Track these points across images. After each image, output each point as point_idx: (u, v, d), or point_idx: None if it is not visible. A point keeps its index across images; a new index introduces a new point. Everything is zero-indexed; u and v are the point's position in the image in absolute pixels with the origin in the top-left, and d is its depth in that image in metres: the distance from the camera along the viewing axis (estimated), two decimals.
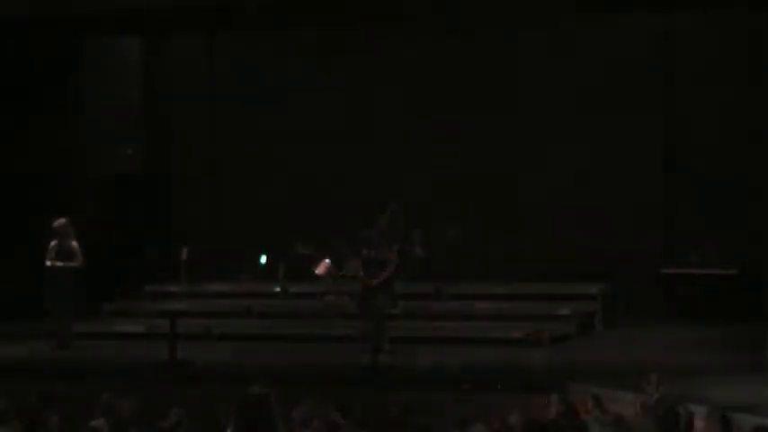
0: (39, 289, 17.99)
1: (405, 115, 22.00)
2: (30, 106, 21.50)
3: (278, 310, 20.77)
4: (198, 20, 22.28)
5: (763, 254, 19.13)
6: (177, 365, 15.90)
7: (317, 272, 21.83)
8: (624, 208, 20.72)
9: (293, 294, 21.39)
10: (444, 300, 20.38)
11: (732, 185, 20.03)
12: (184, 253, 18.33)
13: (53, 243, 17.80)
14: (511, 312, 19.55)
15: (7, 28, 20.73)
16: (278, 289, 21.56)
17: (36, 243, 18.33)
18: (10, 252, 20.36)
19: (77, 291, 17.83)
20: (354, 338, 17.19)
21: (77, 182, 21.97)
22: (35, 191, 20.80)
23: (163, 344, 16.13)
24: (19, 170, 21.06)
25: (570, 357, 16.79)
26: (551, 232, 20.82)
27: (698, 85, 20.47)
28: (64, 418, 11.49)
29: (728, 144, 20.12)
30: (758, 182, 19.66)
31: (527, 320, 18.78)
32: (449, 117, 21.71)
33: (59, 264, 17.72)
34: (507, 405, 12.27)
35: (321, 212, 21.70)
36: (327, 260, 21.75)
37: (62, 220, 17.86)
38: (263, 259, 22.59)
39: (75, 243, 17.81)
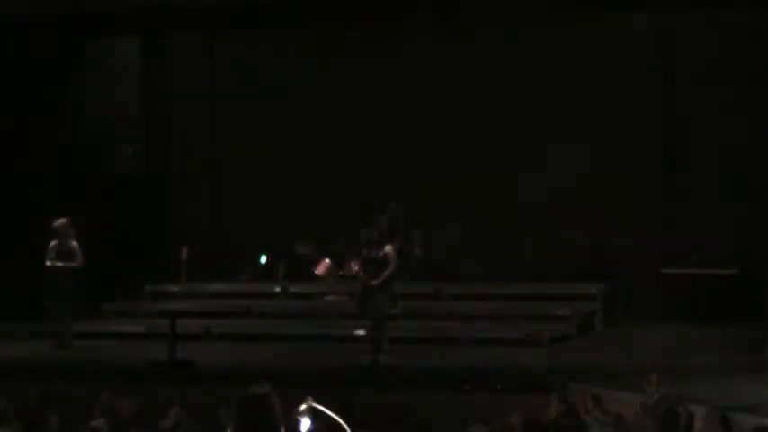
0: (39, 289, 17.98)
1: (405, 115, 22.00)
2: (30, 106, 21.50)
3: (278, 310, 20.77)
4: (198, 20, 22.28)
5: (763, 254, 19.13)
6: (177, 365, 15.89)
7: (316, 272, 21.85)
8: (624, 208, 20.72)
9: (293, 294, 21.41)
10: (444, 300, 20.38)
11: (732, 185, 20.03)
12: (184, 253, 18.32)
13: (53, 243, 17.79)
14: (511, 312, 19.56)
15: (7, 28, 20.73)
16: (278, 289, 21.58)
17: (36, 243, 18.32)
18: (10, 252, 20.35)
19: (77, 291, 17.82)
20: (363, 338, 17.19)
21: (77, 182, 21.96)
22: (35, 191, 20.79)
23: (163, 344, 16.12)
24: (19, 170, 21.05)
25: (570, 357, 16.79)
26: (551, 232, 20.81)
27: (698, 85, 20.48)
28: (64, 418, 11.49)
29: (728, 144, 20.12)
30: (758, 182, 19.67)
31: (527, 320, 18.78)
32: (448, 117, 21.72)
33: (59, 264, 17.71)
34: (507, 405, 12.27)
35: (321, 212, 21.70)
36: (327, 260, 21.77)
37: (62, 220, 17.86)
38: (263, 259, 22.60)
39: (75, 243, 17.80)
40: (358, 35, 22.50)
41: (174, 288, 19.96)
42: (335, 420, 6.33)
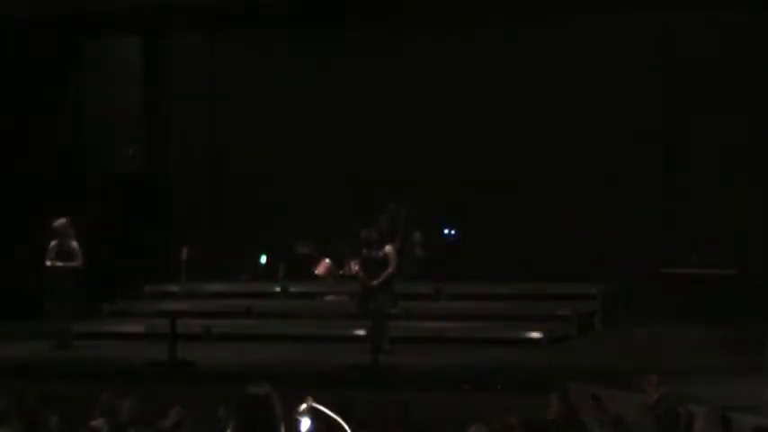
0: (39, 289, 17.98)
1: (405, 115, 22.00)
2: (30, 106, 21.50)
3: (278, 310, 20.77)
4: (198, 20, 22.29)
5: (763, 254, 19.13)
6: (177, 365, 15.89)
7: (316, 272, 21.86)
8: (624, 208, 20.72)
9: (293, 294, 21.41)
10: (444, 300, 20.39)
11: (732, 185, 20.03)
12: (184, 253, 18.32)
13: (53, 243, 17.79)
14: (511, 312, 19.56)
15: (7, 28, 20.74)
16: (278, 289, 21.58)
17: (36, 243, 18.32)
18: (10, 252, 20.36)
19: (77, 291, 17.81)
20: (363, 338, 17.20)
21: (77, 182, 21.96)
22: (35, 191, 20.79)
23: (163, 344, 16.12)
24: (19, 170, 21.05)
25: (570, 357, 16.80)
26: (551, 232, 20.82)
27: (698, 85, 20.48)
28: (64, 418, 11.49)
29: (728, 144, 20.12)
30: (758, 182, 19.66)
31: (527, 320, 18.78)
32: (448, 117, 21.71)
33: (59, 264, 17.70)
34: (507, 405, 12.27)
35: (321, 212, 21.71)
36: (327, 260, 21.77)
37: (62, 220, 17.85)
38: (263, 259, 22.61)
39: (75, 243, 17.80)
40: (358, 35, 22.51)
41: (174, 288, 19.95)
42: (335, 420, 6.33)
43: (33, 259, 18.28)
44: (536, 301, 20.01)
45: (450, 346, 17.77)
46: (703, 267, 19.68)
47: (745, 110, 20.02)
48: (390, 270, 16.95)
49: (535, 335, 17.85)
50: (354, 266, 19.91)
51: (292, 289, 21.45)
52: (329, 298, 21.42)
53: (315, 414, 5.96)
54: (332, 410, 6.26)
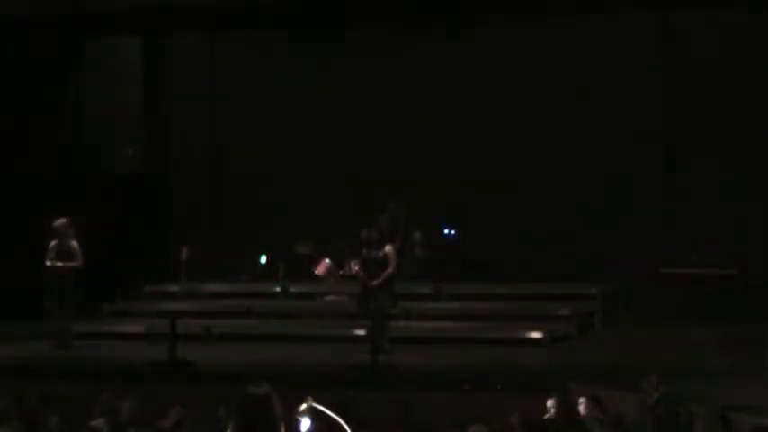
0: (39, 289, 17.97)
1: (405, 115, 22.00)
2: (30, 106, 21.50)
3: (278, 310, 20.76)
4: (198, 20, 22.29)
5: (763, 254, 19.13)
6: (177, 365, 15.89)
7: (316, 272, 21.86)
8: (624, 208, 20.72)
9: (293, 294, 21.41)
10: (444, 300, 20.39)
11: (732, 185, 20.03)
12: (184, 253, 18.31)
13: (53, 243, 17.78)
14: (511, 312, 19.56)
15: (7, 28, 20.74)
16: (278, 289, 21.58)
17: (36, 243, 18.32)
18: (10, 252, 20.36)
19: (77, 291, 17.81)
20: (363, 338, 17.19)
21: (77, 182, 21.96)
22: (35, 191, 20.79)
23: (163, 344, 16.12)
24: (19, 170, 21.05)
25: (570, 357, 16.79)
26: (551, 232, 20.81)
27: (698, 85, 20.47)
28: (64, 418, 11.49)
29: (728, 144, 20.12)
30: (758, 182, 19.67)
31: (527, 320, 18.78)
32: (448, 117, 21.71)
33: (59, 264, 17.70)
34: (507, 405, 12.27)
35: (321, 212, 21.71)
36: (327, 260, 21.78)
37: (62, 220, 17.85)
38: (263, 259, 22.61)
39: (75, 243, 17.79)
40: (358, 35, 22.51)
41: (174, 288, 19.94)
42: (335, 420, 6.33)
43: (33, 259, 18.27)
44: (536, 301, 20.01)
45: (451, 346, 17.77)
46: (703, 267, 19.69)
47: (745, 110, 20.02)
48: (390, 270, 16.95)
49: (535, 335, 17.84)
50: (354, 266, 19.90)
51: (292, 289, 21.45)
52: (329, 298, 21.41)
53: (315, 414, 5.96)
54: (332, 410, 6.26)
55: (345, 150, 22.18)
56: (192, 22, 22.56)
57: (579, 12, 20.92)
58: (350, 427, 6.45)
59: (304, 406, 5.90)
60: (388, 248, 17.15)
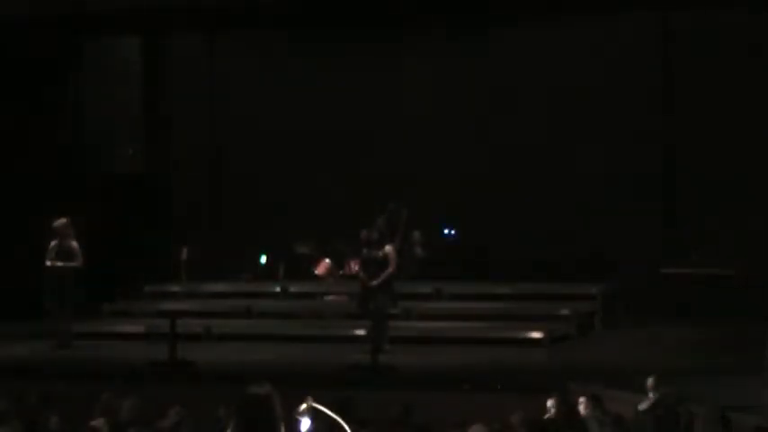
0: (39, 289, 17.98)
1: (404, 115, 22.01)
2: (30, 106, 21.50)
3: (278, 310, 20.76)
4: (198, 20, 22.28)
5: (763, 254, 19.13)
6: (177, 365, 15.89)
7: (316, 272, 21.86)
8: (624, 208, 20.72)
9: (293, 294, 21.41)
10: (444, 300, 20.38)
11: (732, 185, 20.03)
12: (184, 253, 18.32)
13: (53, 243, 17.78)
14: (511, 312, 19.55)
15: (7, 28, 20.74)
16: (278, 289, 21.58)
17: (36, 243, 18.32)
18: (10, 252, 20.36)
19: (77, 291, 17.81)
20: (363, 338, 17.19)
21: (77, 182, 21.96)
22: (35, 191, 20.79)
23: (163, 344, 16.12)
24: (19, 170, 21.06)
25: (570, 357, 16.79)
26: (552, 232, 20.81)
27: (698, 85, 20.48)
28: (64, 418, 11.49)
29: (728, 144, 20.11)
30: (758, 182, 19.66)
31: (527, 320, 18.78)
32: (449, 117, 21.72)
33: (59, 264, 17.70)
34: (507, 405, 12.26)
35: (321, 212, 21.70)
36: (327, 260, 21.78)
37: (62, 220, 17.85)
38: (263, 259, 22.60)
39: (75, 243, 17.79)
40: (358, 35, 22.51)
41: (174, 288, 19.93)
42: (335, 420, 6.33)
43: (33, 259, 18.28)
44: (536, 301, 20.00)
45: (450, 346, 17.77)
46: (703, 267, 19.69)
47: (745, 110, 20.02)
48: (390, 270, 16.95)
49: (535, 335, 17.84)
50: (354, 266, 19.91)
51: (292, 289, 21.44)
52: (329, 298, 21.41)
53: (315, 414, 5.96)
54: (332, 410, 6.26)
55: (345, 150, 22.18)
56: (191, 22, 22.56)
57: (579, 12, 20.92)
58: (350, 427, 6.45)
59: (304, 406, 5.90)
60: (388, 248, 17.15)
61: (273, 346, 18.08)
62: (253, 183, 22.94)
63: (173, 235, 21.95)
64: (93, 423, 10.98)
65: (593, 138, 20.93)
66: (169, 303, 19.54)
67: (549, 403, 12.04)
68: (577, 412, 11.86)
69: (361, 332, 17.66)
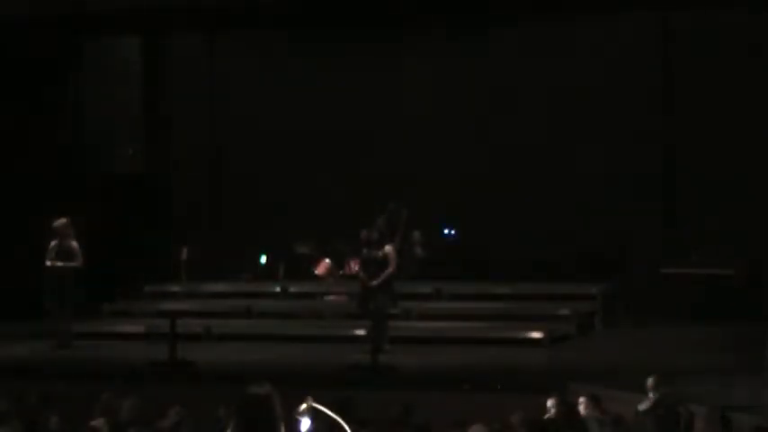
0: (39, 289, 17.98)
1: (404, 115, 22.01)
2: (30, 106, 21.50)
3: (278, 310, 20.76)
4: (198, 20, 22.28)
5: (763, 254, 19.13)
6: (177, 365, 15.89)
7: (316, 272, 21.86)
8: (624, 208, 20.72)
9: (293, 294, 21.41)
10: (444, 300, 20.38)
11: (732, 185, 20.03)
12: (184, 253, 18.31)
13: (53, 243, 17.78)
14: (511, 312, 19.56)
15: (7, 28, 20.74)
16: (278, 289, 21.58)
17: (36, 243, 18.32)
18: (10, 252, 20.36)
19: (77, 291, 17.81)
20: (363, 338, 17.19)
21: (77, 182, 21.96)
22: (35, 191, 20.79)
23: (163, 344, 16.12)
24: (19, 170, 21.06)
25: (570, 357, 16.79)
26: (552, 232, 20.81)
27: (698, 85, 20.48)
28: (64, 418, 11.49)
29: (728, 144, 20.11)
30: (758, 182, 19.66)
31: (527, 320, 18.78)
32: (449, 117, 21.72)
33: (59, 264, 17.70)
34: (507, 405, 12.26)
35: (321, 212, 21.71)
36: (327, 260, 21.78)
37: (62, 220, 17.85)
38: (263, 259, 22.60)
39: (75, 243, 17.79)
40: (358, 35, 22.51)
41: (174, 288, 19.91)
42: (335, 420, 6.33)
43: (33, 259, 18.28)
44: (536, 301, 20.00)
45: (450, 346, 17.76)
46: (703, 267, 19.69)
47: (745, 110, 20.02)
48: (390, 270, 16.96)
49: (535, 335, 17.84)
50: (354, 266, 19.91)
51: (292, 289, 21.44)
52: (329, 298, 21.41)
53: (315, 414, 5.96)
54: (332, 410, 6.26)
55: (345, 150, 22.18)
56: (191, 22, 22.56)
57: (579, 12, 20.92)
58: (350, 427, 6.45)
59: (304, 406, 5.90)
60: (387, 248, 17.16)
61: (273, 346, 18.08)
62: (253, 183, 22.95)
63: (173, 235, 21.95)
64: (93, 423, 10.98)
65: (593, 138, 20.93)
66: (169, 303, 19.54)
67: (549, 403, 12.04)
68: (577, 412, 11.86)
69: (361, 332, 17.66)
